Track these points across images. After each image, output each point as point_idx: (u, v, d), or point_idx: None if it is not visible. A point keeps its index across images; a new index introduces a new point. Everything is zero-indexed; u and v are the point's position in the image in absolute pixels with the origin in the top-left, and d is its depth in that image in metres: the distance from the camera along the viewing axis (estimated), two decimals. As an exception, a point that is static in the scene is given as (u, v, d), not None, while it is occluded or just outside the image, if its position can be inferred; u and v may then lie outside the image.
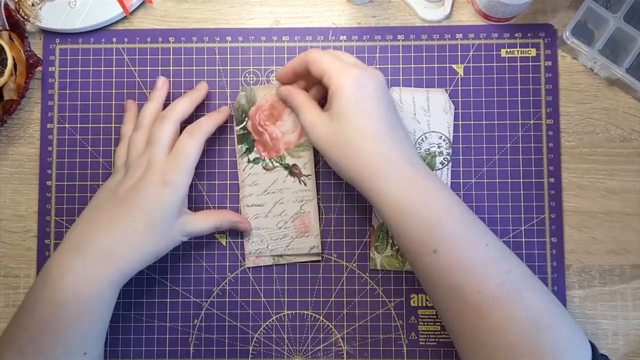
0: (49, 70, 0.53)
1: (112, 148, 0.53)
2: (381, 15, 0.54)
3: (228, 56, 0.53)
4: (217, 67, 0.53)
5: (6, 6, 0.51)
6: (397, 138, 0.43)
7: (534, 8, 0.53)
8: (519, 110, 0.52)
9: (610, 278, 0.51)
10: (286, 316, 0.51)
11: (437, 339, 0.50)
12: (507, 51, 0.53)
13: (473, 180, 0.52)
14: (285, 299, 0.51)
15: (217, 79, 0.53)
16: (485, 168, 0.52)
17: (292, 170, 0.51)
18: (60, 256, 0.44)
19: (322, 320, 0.51)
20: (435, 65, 0.53)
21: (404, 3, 0.54)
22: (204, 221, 0.49)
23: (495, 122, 0.52)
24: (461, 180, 0.52)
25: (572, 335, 0.40)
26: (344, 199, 0.52)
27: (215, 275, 0.51)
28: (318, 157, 0.52)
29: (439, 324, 0.50)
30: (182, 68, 0.53)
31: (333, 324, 0.51)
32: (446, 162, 0.51)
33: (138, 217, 0.45)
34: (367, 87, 0.43)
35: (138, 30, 0.54)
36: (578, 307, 0.51)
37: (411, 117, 0.51)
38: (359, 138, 0.42)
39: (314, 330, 0.51)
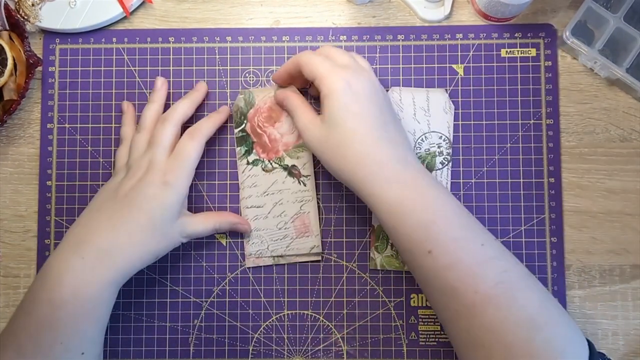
0: (49, 70, 0.53)
1: (112, 148, 0.53)
2: (381, 15, 0.54)
3: (228, 56, 0.53)
4: (217, 67, 0.53)
5: (6, 6, 0.51)
6: (390, 139, 0.43)
7: (534, 8, 0.53)
8: (519, 110, 0.52)
9: (610, 278, 0.51)
10: (286, 316, 0.51)
11: (437, 339, 0.50)
12: (507, 51, 0.53)
13: (473, 180, 0.52)
14: (285, 299, 0.51)
15: (217, 79, 0.53)
16: (485, 168, 0.52)
17: (291, 171, 0.51)
18: (59, 256, 0.44)
19: (322, 320, 0.51)
20: (435, 65, 0.53)
21: (404, 3, 0.54)
22: (203, 223, 0.49)
23: (495, 122, 0.52)
24: (461, 180, 0.52)
25: (569, 335, 0.40)
26: (344, 199, 0.52)
27: (215, 275, 0.51)
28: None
29: (438, 324, 0.50)
30: (182, 68, 0.53)
31: (333, 324, 0.51)
32: (446, 162, 0.51)
33: (138, 217, 0.45)
34: (357, 90, 0.43)
35: (138, 30, 0.54)
36: (578, 307, 0.51)
37: (411, 117, 0.51)
38: (350, 140, 0.43)
39: (314, 330, 0.51)
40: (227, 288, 0.51)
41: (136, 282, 0.51)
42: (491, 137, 0.52)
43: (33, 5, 0.52)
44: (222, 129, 0.52)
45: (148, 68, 0.53)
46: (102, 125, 0.53)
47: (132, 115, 0.52)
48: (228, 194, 0.52)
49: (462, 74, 0.52)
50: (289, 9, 0.54)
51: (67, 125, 0.53)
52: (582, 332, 0.41)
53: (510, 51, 0.53)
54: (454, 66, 0.53)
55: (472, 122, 0.52)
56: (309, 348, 0.51)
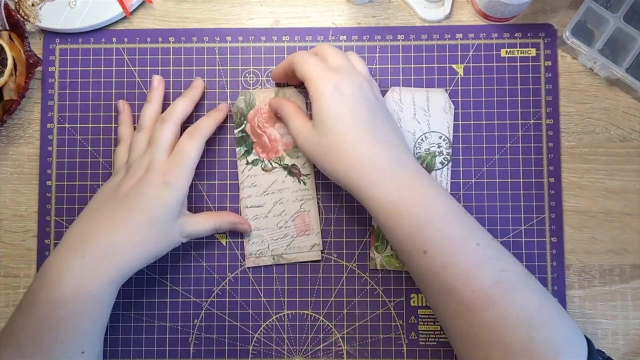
0: (49, 70, 0.53)
1: (112, 148, 0.53)
2: (381, 15, 0.54)
3: (228, 56, 0.53)
4: (217, 67, 0.53)
5: (6, 6, 0.51)
6: (382, 140, 0.44)
7: (534, 8, 0.53)
8: (519, 110, 0.52)
9: (610, 278, 0.51)
10: (286, 316, 0.51)
11: (437, 339, 0.50)
12: (507, 51, 0.53)
13: (473, 180, 0.52)
14: (285, 299, 0.51)
15: (217, 79, 0.53)
16: (485, 168, 0.52)
17: (291, 170, 0.51)
18: (59, 255, 0.44)
19: (322, 320, 0.51)
20: (435, 65, 0.53)
21: (404, 3, 0.54)
22: (203, 223, 0.49)
23: (495, 122, 0.52)
24: (461, 180, 0.52)
25: (569, 334, 0.40)
26: (344, 199, 0.52)
27: (215, 275, 0.51)
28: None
29: (438, 323, 0.50)
30: (182, 68, 0.53)
31: (333, 323, 0.51)
32: (446, 162, 0.51)
33: (138, 217, 0.45)
34: (345, 93, 0.43)
35: (138, 30, 0.54)
36: (578, 307, 0.51)
37: (411, 117, 0.51)
38: (340, 143, 0.43)
39: (314, 330, 0.51)
40: (227, 288, 0.51)
41: (136, 282, 0.51)
42: (491, 137, 0.52)
43: (33, 5, 0.52)
44: (221, 129, 0.52)
45: (148, 68, 0.53)
46: (102, 125, 0.53)
47: (128, 114, 0.52)
48: (228, 194, 0.52)
49: (462, 74, 0.52)
50: (289, 9, 0.54)
51: (67, 125, 0.53)
52: (582, 331, 0.41)
53: (510, 51, 0.53)
54: (454, 66, 0.53)
55: (472, 122, 0.52)
56: (309, 348, 0.51)
